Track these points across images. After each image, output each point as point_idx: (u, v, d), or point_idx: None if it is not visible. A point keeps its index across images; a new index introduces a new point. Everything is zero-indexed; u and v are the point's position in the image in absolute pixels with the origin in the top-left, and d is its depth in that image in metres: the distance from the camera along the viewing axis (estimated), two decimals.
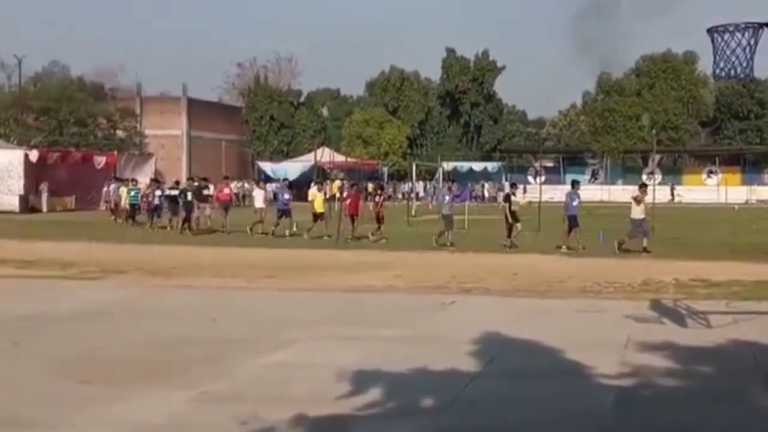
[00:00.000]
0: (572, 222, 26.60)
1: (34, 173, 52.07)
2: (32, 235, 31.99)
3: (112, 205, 43.12)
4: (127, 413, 8.68)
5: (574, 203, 27.08)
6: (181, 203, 34.69)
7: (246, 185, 67.86)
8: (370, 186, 64.15)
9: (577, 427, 8.41)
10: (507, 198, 28.46)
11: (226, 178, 40.40)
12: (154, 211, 36.85)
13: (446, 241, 27.97)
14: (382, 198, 32.14)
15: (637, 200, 26.27)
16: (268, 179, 71.89)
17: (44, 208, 51.31)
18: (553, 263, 23.16)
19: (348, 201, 31.63)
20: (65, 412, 8.68)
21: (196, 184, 35.53)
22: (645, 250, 25.25)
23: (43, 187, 52.05)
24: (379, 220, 30.50)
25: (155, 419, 8.47)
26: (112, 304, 15.91)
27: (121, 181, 45.08)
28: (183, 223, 33.68)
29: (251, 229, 32.32)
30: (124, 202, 40.12)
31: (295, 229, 32.26)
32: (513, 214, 27.50)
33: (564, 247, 26.13)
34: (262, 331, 13.07)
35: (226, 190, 36.61)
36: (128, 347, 11.88)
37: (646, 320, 14.15)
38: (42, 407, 8.90)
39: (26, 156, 52.40)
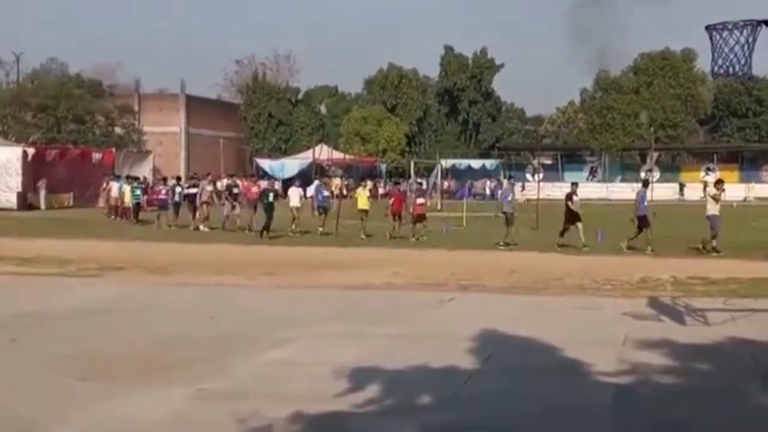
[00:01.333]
0: (642, 222, 25.54)
1: (32, 170, 51.88)
2: (30, 233, 31.94)
3: (114, 203, 41.82)
4: (126, 410, 8.70)
5: (645, 203, 26.10)
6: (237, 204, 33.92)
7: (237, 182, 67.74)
8: (369, 183, 64.23)
9: (575, 424, 8.42)
10: (569, 197, 26.99)
11: (252, 176, 39.78)
12: (175, 208, 35.69)
13: (511, 240, 26.95)
14: (423, 197, 31.21)
15: (716, 198, 25.36)
16: (265, 176, 72.08)
17: (42, 206, 51.13)
18: (550, 261, 23.15)
19: (392, 200, 30.99)
20: (63, 410, 8.69)
21: (227, 182, 35.12)
22: (714, 249, 24.51)
23: (41, 184, 51.90)
24: (420, 218, 29.78)
25: (154, 416, 8.49)
26: (110, 301, 15.91)
27: (121, 178, 44.07)
28: (264, 229, 30.46)
29: (292, 230, 31.39)
30: (129, 200, 39.06)
31: (293, 227, 32.14)
32: (574, 214, 26.38)
33: (649, 249, 24.91)
34: (261, 328, 13.08)
35: (255, 189, 35.26)
36: (126, 344, 11.89)
37: (644, 317, 14.18)
38: (40, 404, 8.90)
39: (24, 153, 52.26)
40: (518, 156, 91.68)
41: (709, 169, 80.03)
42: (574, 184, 28.47)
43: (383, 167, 78.30)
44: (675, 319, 13.90)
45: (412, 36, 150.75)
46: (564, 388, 9.68)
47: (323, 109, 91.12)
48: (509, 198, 28.29)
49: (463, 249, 26.33)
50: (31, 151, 53.35)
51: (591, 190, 74.35)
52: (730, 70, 12.78)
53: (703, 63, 79.78)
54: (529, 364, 10.90)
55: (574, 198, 27.07)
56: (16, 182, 51.09)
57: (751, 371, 10.63)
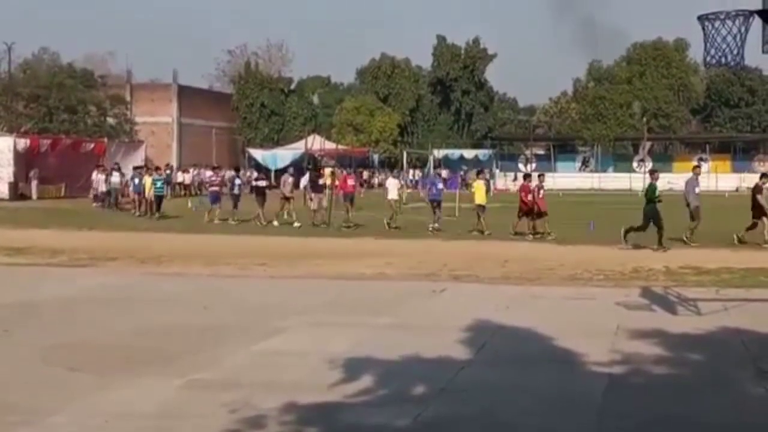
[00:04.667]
0: None
1: (23, 160, 51.85)
2: (22, 223, 31.87)
3: (134, 197, 38.74)
4: (117, 401, 8.67)
5: None
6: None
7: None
8: (365, 173, 64.20)
9: (568, 414, 8.42)
10: (758, 189, 24.64)
11: (350, 167, 37.34)
12: (234, 201, 33.46)
13: (692, 237, 24.52)
14: (542, 189, 27.29)
15: None
16: (258, 166, 72.03)
17: (34, 196, 51.11)
18: (543, 251, 23.15)
19: (522, 194, 27.21)
20: (55, 400, 8.67)
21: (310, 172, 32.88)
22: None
23: (33, 174, 51.84)
24: (540, 213, 26.72)
25: (145, 407, 8.47)
26: (102, 291, 15.88)
27: (139, 169, 41.20)
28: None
29: (388, 224, 29.39)
30: (149, 193, 35.94)
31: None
32: (761, 208, 24.32)
33: None
34: (254, 318, 13.06)
35: (351, 181, 33.37)
36: (118, 335, 11.86)
37: (637, 307, 14.19)
38: (32, 395, 8.88)
39: (16, 143, 52.13)
40: (511, 146, 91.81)
41: (701, 159, 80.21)
42: (765, 176, 25.49)
43: (375, 157, 78.27)
44: (667, 309, 13.92)
45: (404, 26, 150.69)
46: (557, 378, 9.68)
47: (316, 99, 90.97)
48: (696, 190, 25.54)
49: (456, 239, 26.31)
50: (23, 141, 53.23)
51: (582, 180, 74.58)
52: (723, 60, 12.75)
53: (696, 53, 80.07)
54: (521, 354, 10.91)
55: (764, 190, 24.78)
56: (7, 172, 51.05)
57: (743, 361, 10.64)
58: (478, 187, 29.24)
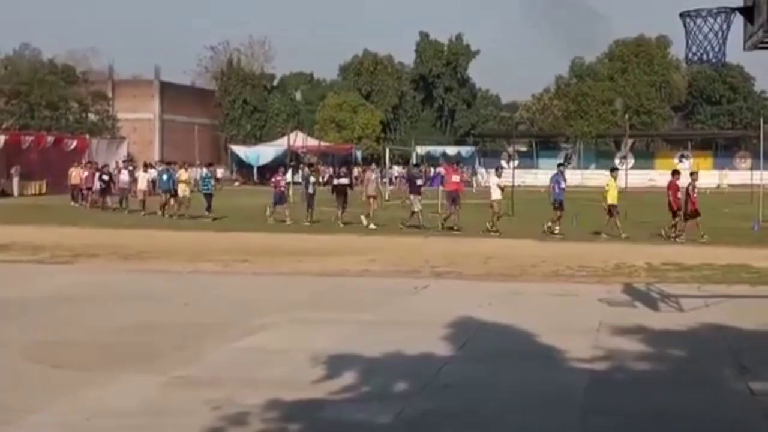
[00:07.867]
0: None
1: (5, 157, 51.60)
2: (3, 220, 31.66)
3: (142, 196, 36.89)
4: (100, 398, 8.64)
5: None
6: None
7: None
8: (356, 170, 63.92)
9: (550, 410, 8.44)
10: None
11: (458, 163, 33.27)
12: (309, 200, 31.22)
13: None
14: (696, 188, 25.63)
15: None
16: (240, 163, 71.92)
17: (15, 193, 50.86)
18: (525, 248, 23.21)
19: (672, 192, 25.68)
20: (37, 397, 8.63)
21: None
22: None
23: (15, 171, 51.58)
24: (694, 213, 25.14)
25: (128, 404, 8.44)
26: (84, 288, 15.82)
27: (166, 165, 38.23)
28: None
29: (489, 228, 26.89)
30: (185, 192, 33.59)
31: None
32: None
33: None
34: (237, 315, 13.04)
35: (456, 177, 29.60)
36: (100, 332, 11.82)
37: (619, 304, 14.24)
38: (14, 392, 8.85)
39: None
40: (493, 143, 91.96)
41: (683, 156, 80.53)
42: None
43: (358, 154, 78.30)
44: (649, 306, 13.98)
45: (387, 22, 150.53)
46: (539, 375, 9.71)
47: (298, 95, 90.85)
48: None
49: (439, 236, 26.33)
50: (3, 137, 52.97)
51: (565, 176, 74.55)
52: (704, 57, 12.77)
53: (678, 50, 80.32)
54: (504, 350, 10.92)
55: None
56: None
57: (724, 357, 10.69)
58: (611, 186, 26.28)
